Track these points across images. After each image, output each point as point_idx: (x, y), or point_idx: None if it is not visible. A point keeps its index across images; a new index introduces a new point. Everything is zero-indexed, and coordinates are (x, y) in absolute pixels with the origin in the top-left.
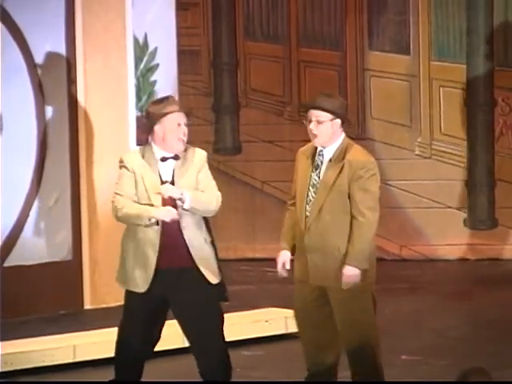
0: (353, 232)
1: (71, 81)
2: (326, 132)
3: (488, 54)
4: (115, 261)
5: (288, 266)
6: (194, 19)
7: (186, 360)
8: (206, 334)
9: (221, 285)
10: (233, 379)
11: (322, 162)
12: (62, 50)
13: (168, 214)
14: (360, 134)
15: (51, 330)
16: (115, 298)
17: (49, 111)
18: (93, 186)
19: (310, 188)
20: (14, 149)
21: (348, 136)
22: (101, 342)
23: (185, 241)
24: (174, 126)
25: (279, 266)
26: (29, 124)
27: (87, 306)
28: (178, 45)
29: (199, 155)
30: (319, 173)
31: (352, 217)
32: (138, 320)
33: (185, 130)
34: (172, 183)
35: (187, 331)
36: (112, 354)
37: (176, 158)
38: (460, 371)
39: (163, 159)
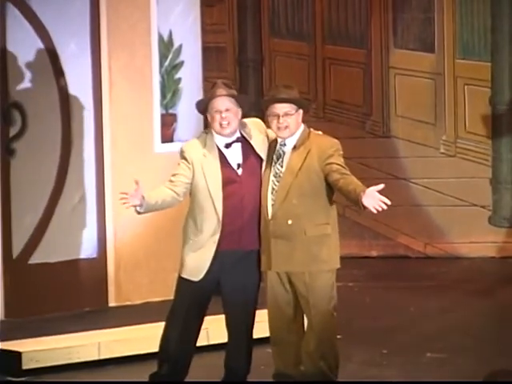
0: (347, 178)
1: (96, 78)
2: (295, 123)
3: None
4: (140, 258)
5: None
6: (220, 16)
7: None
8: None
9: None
10: (257, 378)
11: (284, 152)
12: (87, 47)
13: None
14: (385, 131)
15: (76, 328)
16: (140, 296)
17: (73, 109)
18: (118, 184)
19: (273, 178)
20: (39, 146)
21: (373, 134)
22: (125, 340)
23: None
24: (213, 112)
25: None
26: (54, 121)
27: (112, 303)
28: (203, 42)
29: (257, 125)
30: (282, 162)
31: (337, 179)
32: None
33: (224, 114)
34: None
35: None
36: (136, 352)
37: (238, 140)
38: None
39: (227, 146)
